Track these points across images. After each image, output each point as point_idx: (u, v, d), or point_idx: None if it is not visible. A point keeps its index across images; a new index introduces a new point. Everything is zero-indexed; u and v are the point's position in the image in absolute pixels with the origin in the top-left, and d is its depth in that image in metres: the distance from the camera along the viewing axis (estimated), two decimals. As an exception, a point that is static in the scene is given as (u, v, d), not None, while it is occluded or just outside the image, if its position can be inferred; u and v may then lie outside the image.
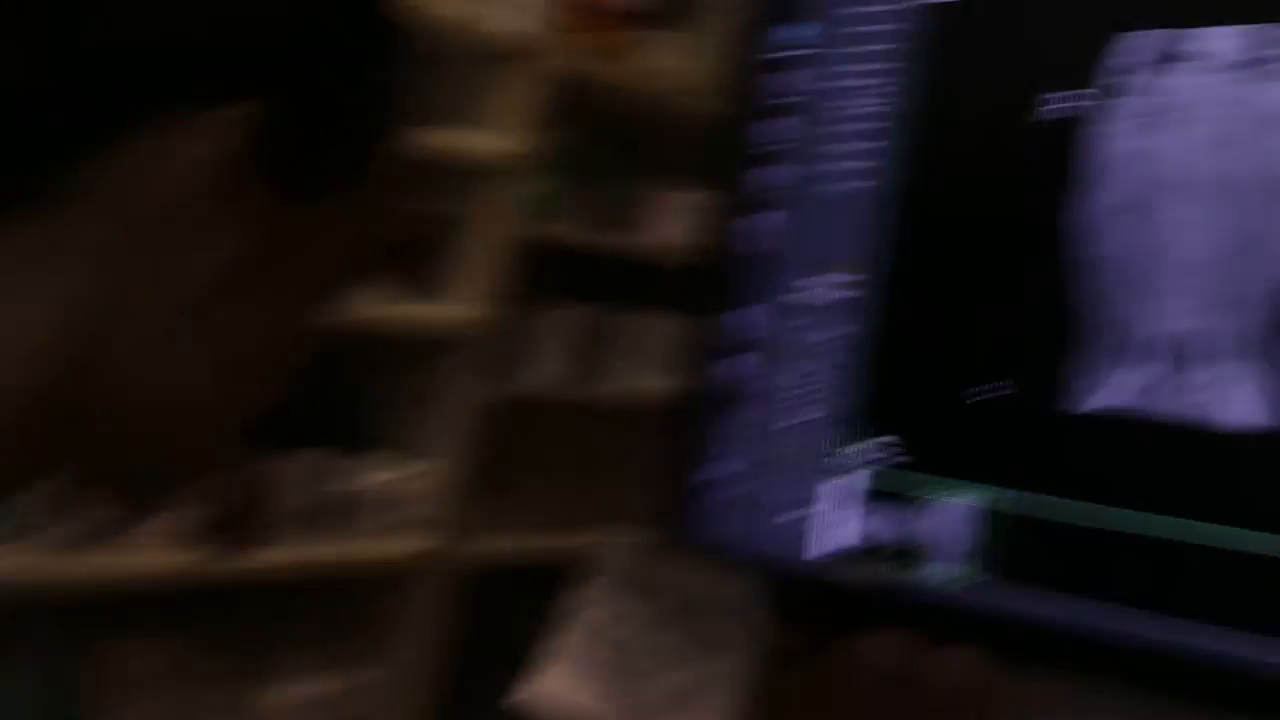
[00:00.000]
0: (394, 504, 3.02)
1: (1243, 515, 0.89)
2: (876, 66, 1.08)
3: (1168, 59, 0.95)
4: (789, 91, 1.13)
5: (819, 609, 1.09)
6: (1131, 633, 0.93)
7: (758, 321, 1.13)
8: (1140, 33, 0.96)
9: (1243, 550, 0.89)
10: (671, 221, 3.30)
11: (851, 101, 1.09)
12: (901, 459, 1.05)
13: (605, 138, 3.35)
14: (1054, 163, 0.99)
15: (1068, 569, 0.96)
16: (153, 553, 2.46)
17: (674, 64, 3.32)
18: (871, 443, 1.06)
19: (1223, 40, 0.93)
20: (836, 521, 1.07)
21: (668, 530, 1.17)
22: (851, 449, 1.07)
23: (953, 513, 1.02)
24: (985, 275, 1.02)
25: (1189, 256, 0.93)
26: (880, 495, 1.06)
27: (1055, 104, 0.99)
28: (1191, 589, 0.91)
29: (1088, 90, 0.98)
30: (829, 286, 1.10)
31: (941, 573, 1.02)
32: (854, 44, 1.10)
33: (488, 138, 3.01)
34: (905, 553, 1.04)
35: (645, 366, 3.31)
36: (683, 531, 1.15)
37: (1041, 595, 0.97)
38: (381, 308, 2.76)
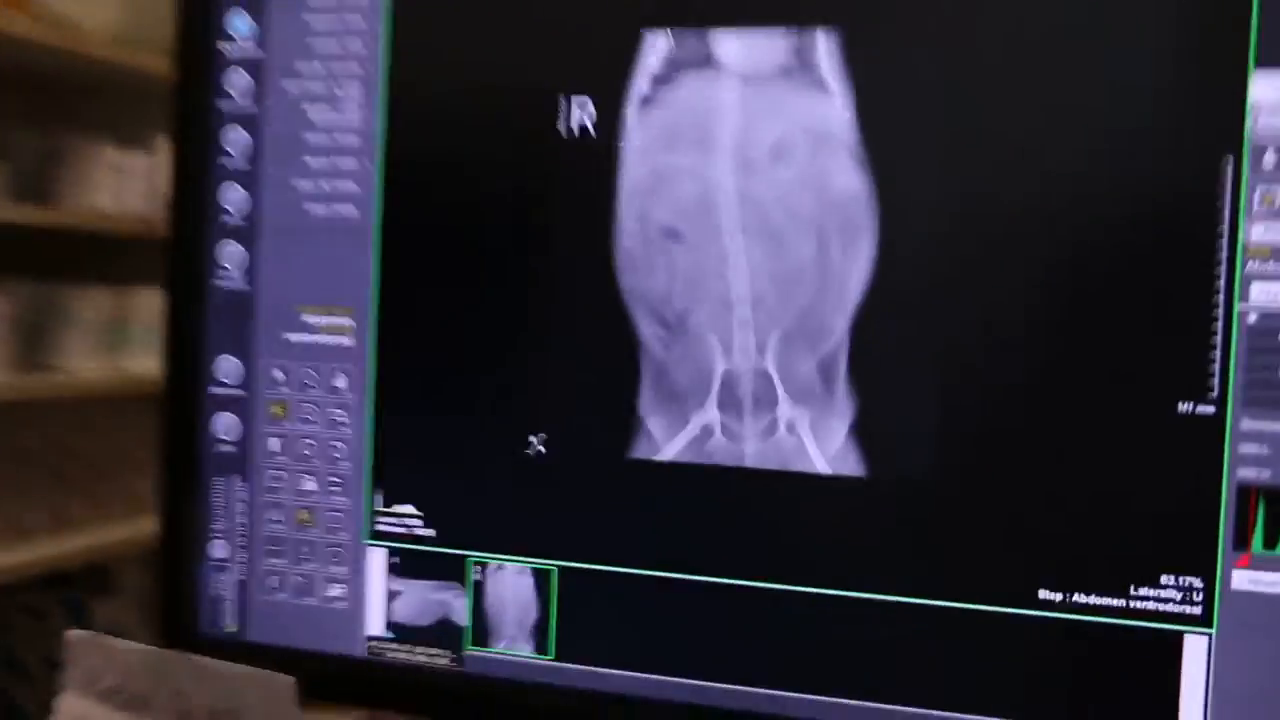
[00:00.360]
0: None
1: (825, 572, 0.81)
2: (350, 68, 0.89)
3: (696, 63, 0.84)
4: (242, 89, 0.91)
5: (357, 697, 0.91)
6: (716, 705, 0.83)
7: (241, 372, 0.92)
8: (671, 31, 0.84)
9: (827, 611, 0.82)
10: (104, 187, 2.90)
11: (322, 111, 0.90)
12: (425, 530, 0.89)
13: (10, 99, 2.88)
14: (576, 182, 0.85)
15: (632, 640, 0.85)
16: None
17: (95, 14, 2.90)
18: (392, 512, 0.89)
19: (756, 44, 0.82)
20: (363, 602, 0.89)
21: (168, 622, 0.94)
22: (370, 520, 0.90)
23: (498, 584, 0.87)
24: (502, 313, 0.87)
25: (732, 289, 0.83)
26: (410, 569, 0.89)
27: (573, 113, 0.85)
28: (768, 657, 0.83)
29: (609, 98, 0.85)
30: (321, 330, 0.90)
31: (493, 650, 0.87)
32: (320, 39, 0.90)
33: None
34: (445, 631, 0.88)
35: (92, 347, 2.91)
36: (183, 623, 0.93)
37: (606, 670, 0.85)
38: None
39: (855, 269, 0.81)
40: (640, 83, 0.84)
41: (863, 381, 0.81)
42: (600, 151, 0.85)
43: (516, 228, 0.87)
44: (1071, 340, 0.77)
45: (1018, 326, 0.78)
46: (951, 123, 0.79)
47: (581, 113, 0.85)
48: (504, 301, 0.87)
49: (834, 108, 0.81)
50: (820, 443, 0.82)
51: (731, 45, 0.83)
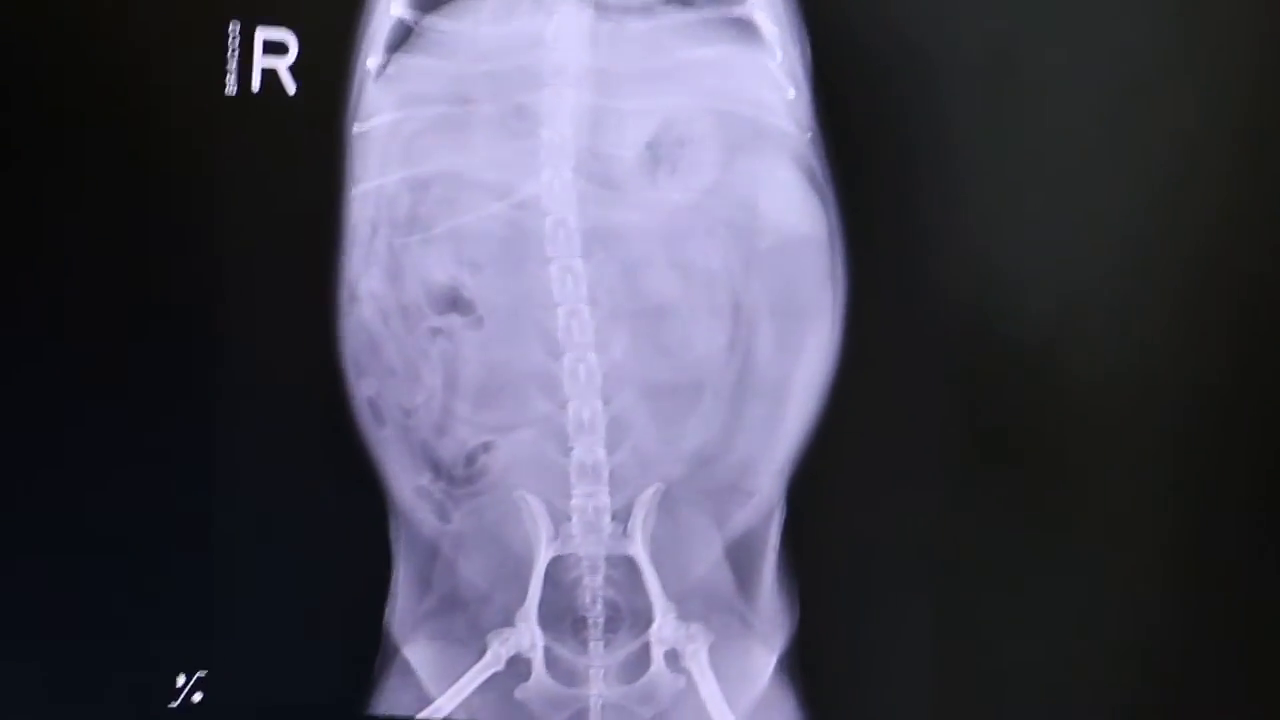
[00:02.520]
0: None
1: None
2: None
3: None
4: None
5: None
6: None
7: None
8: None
9: None
10: None
11: None
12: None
13: None
14: (256, 189, 0.43)
15: None
16: None
17: None
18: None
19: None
20: None
21: None
22: None
23: None
24: (111, 440, 0.45)
25: (568, 409, 0.44)
26: None
27: (255, 56, 0.43)
28: None
29: (323, 32, 0.43)
30: None
31: None
32: None
33: None
34: None
35: None
36: None
37: None
38: None
39: (800, 373, 0.44)
40: (387, 7, 0.43)
41: (806, 580, 0.45)
42: (301, 131, 0.43)
43: (145, 280, 0.44)
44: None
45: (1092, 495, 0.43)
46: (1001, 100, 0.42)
47: (271, 56, 0.43)
48: (116, 418, 0.44)
49: (768, 71, 0.43)
50: (727, 686, 0.45)
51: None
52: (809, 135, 0.43)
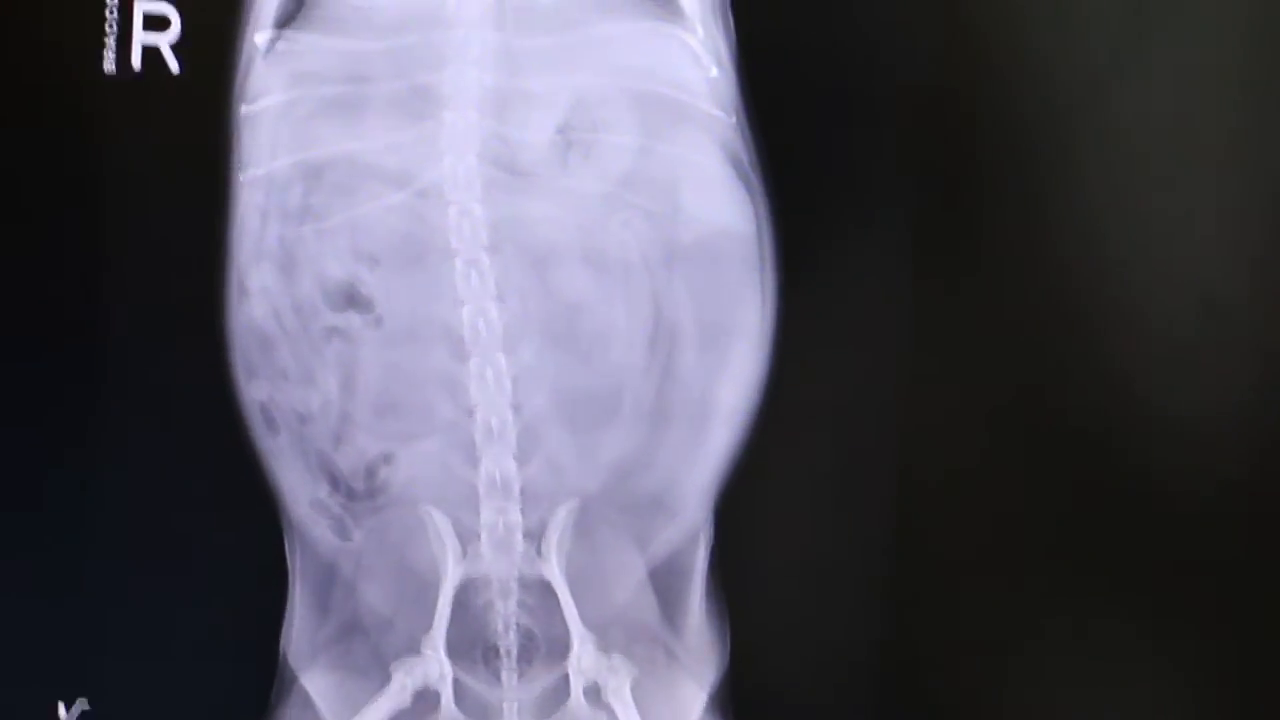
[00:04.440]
0: None
1: None
2: None
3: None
4: None
5: None
6: None
7: None
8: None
9: None
10: None
11: None
12: None
13: None
14: (136, 173, 0.40)
15: None
16: None
17: None
18: None
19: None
20: None
21: None
22: None
23: None
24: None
25: (476, 415, 0.40)
26: None
27: (133, 30, 0.40)
28: None
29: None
30: None
31: None
32: None
33: None
34: None
35: None
36: None
37: None
38: None
39: (728, 380, 0.40)
40: (279, -25, 0.40)
41: (738, 609, 0.41)
42: (187, 110, 0.40)
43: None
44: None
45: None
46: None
47: (152, 33, 0.40)
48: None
49: (688, 48, 0.39)
50: (653, 722, 0.41)
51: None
52: (733, 119, 0.40)
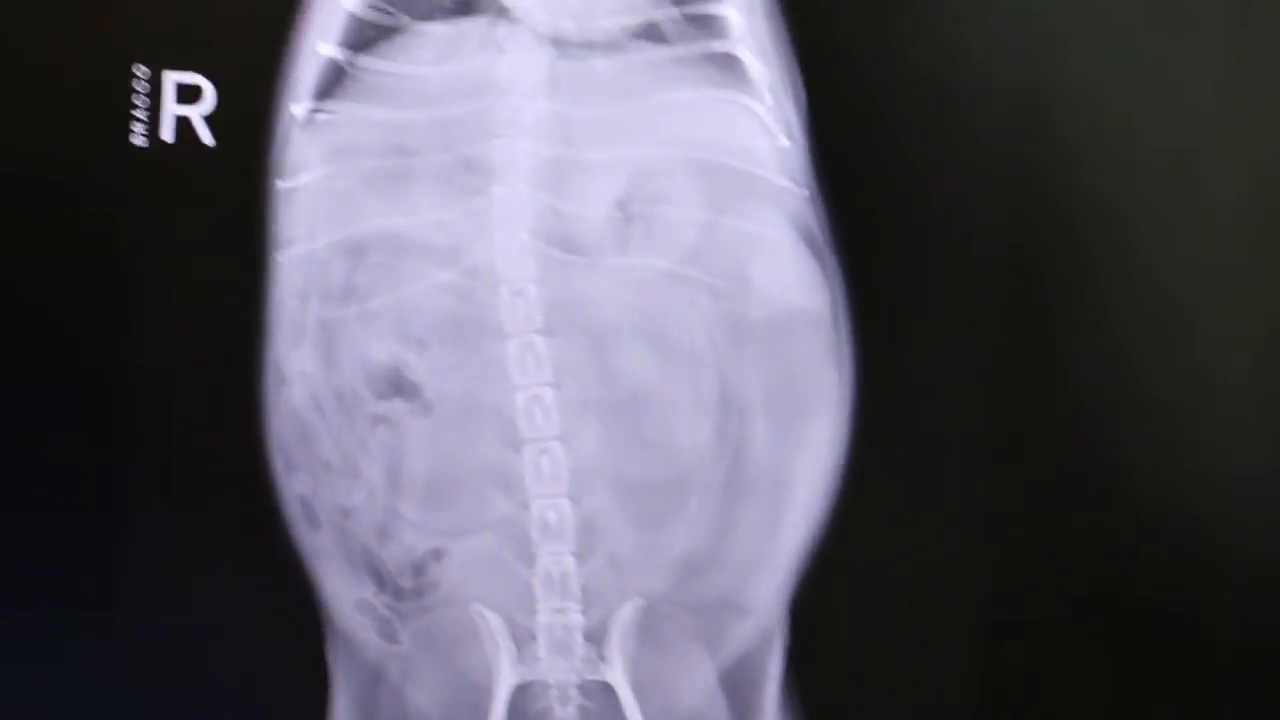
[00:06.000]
0: None
1: None
2: None
3: (451, 9, 0.37)
4: None
5: None
6: None
7: None
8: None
9: None
10: None
11: None
12: None
13: None
14: (167, 250, 0.38)
15: None
16: None
17: None
18: None
19: None
20: None
21: None
22: None
23: None
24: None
25: (531, 510, 0.37)
26: None
27: (163, 102, 0.37)
28: None
29: (242, 77, 0.37)
30: None
31: None
32: None
33: None
34: None
35: None
36: None
37: None
38: None
39: (801, 469, 0.37)
40: (316, 46, 0.37)
41: (817, 711, 0.38)
42: (221, 184, 0.37)
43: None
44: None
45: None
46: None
47: (183, 105, 0.37)
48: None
49: (756, 117, 0.37)
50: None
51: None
52: (806, 192, 0.37)
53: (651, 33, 0.37)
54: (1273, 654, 0.38)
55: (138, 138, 0.37)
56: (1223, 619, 0.38)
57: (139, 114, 0.37)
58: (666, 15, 0.37)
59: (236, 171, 0.37)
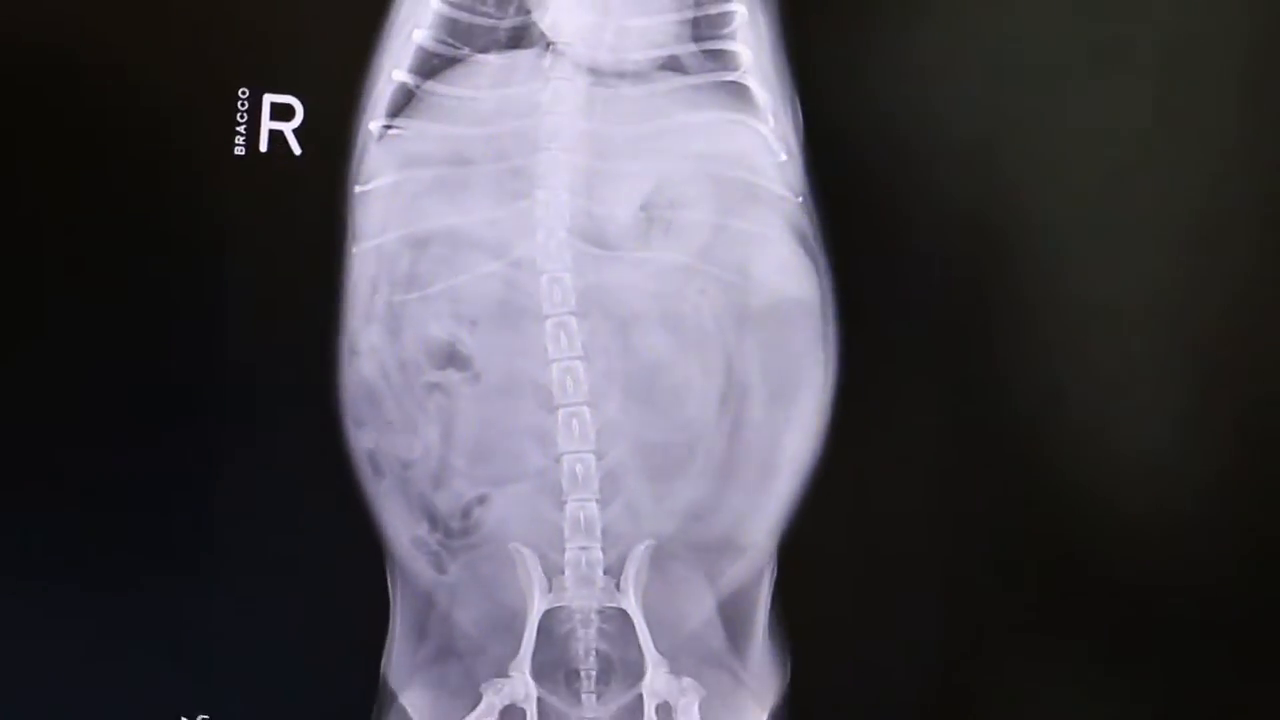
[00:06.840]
0: None
1: None
2: None
3: (503, 42, 0.44)
4: None
5: None
6: None
7: None
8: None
9: None
10: None
11: None
12: None
13: None
14: (262, 249, 0.45)
15: None
16: None
17: None
18: None
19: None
20: None
21: None
22: None
23: None
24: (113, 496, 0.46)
25: (563, 463, 0.45)
26: None
27: (261, 119, 0.44)
28: None
29: (328, 96, 0.44)
30: None
31: None
32: None
33: None
34: None
35: None
36: None
37: None
38: None
39: (792, 433, 0.44)
40: (390, 73, 0.44)
41: (798, 637, 0.45)
42: (306, 190, 0.44)
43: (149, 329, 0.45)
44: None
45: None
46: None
47: (277, 121, 0.44)
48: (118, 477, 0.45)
49: (760, 136, 0.44)
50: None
51: (572, 15, 0.44)
52: (800, 199, 0.44)
53: (674, 64, 0.44)
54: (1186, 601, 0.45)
55: (238, 148, 0.44)
56: (1155, 581, 0.45)
57: (240, 129, 0.44)
58: (687, 50, 0.44)
59: (320, 178, 0.44)
